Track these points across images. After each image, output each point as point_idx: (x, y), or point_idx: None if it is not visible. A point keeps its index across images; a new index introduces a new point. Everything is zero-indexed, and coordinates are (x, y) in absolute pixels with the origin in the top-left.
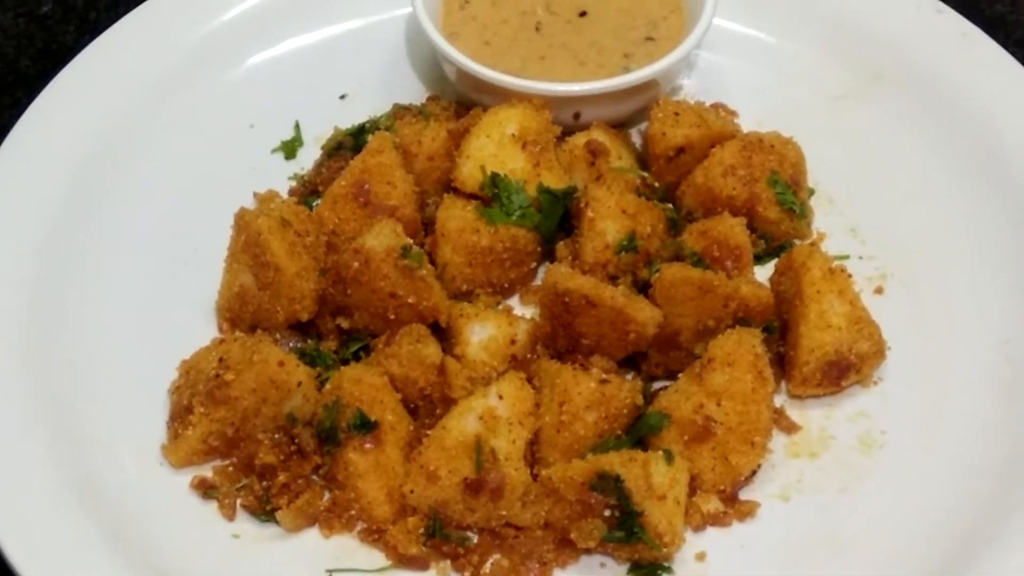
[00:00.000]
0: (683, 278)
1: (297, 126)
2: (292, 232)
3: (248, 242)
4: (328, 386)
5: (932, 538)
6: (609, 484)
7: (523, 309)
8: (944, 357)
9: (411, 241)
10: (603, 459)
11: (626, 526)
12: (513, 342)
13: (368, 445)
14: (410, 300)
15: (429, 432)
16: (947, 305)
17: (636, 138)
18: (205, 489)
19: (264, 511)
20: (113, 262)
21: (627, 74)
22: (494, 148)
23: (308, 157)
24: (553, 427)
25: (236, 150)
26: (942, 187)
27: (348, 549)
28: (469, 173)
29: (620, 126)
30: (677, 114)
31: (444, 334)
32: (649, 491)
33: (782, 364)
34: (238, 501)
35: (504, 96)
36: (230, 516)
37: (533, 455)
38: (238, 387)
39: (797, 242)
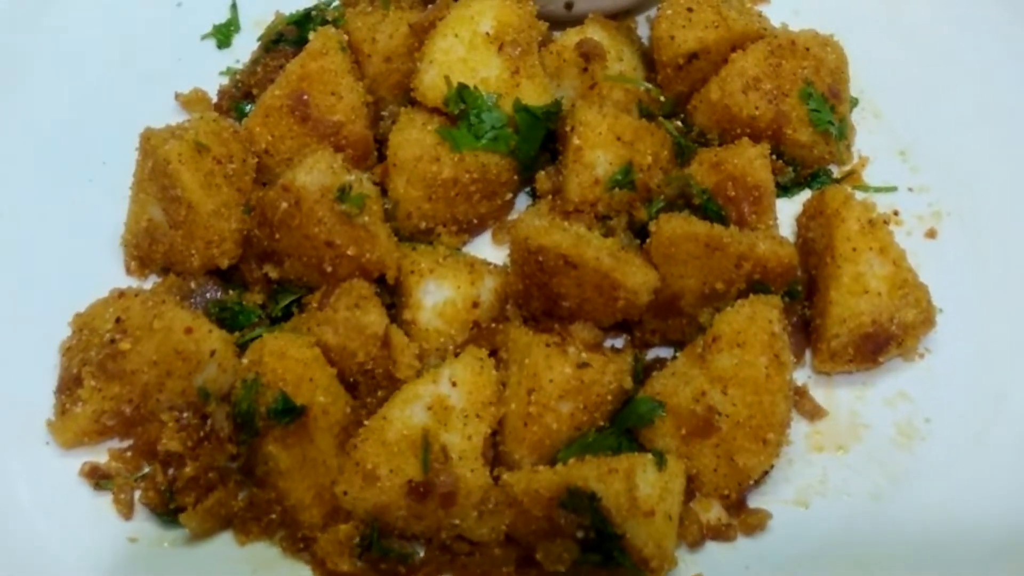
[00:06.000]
0: (686, 233)
1: (234, 6)
2: (210, 159)
3: (156, 171)
4: (247, 357)
5: (986, 558)
6: (583, 502)
7: (495, 250)
8: (1008, 321)
9: (351, 178)
10: (575, 470)
11: (604, 549)
12: (475, 305)
13: (293, 437)
14: (349, 252)
15: (367, 422)
16: (1016, 253)
17: (644, 29)
18: (97, 478)
19: (167, 510)
20: None
21: None
22: (463, 50)
23: (245, 46)
24: (519, 418)
25: (159, 35)
26: (1017, 100)
27: (267, 560)
28: (431, 83)
29: (624, 14)
30: (690, 10)
31: (391, 290)
32: (632, 509)
33: (807, 331)
34: (136, 495)
35: None
36: (126, 513)
37: (495, 448)
38: (136, 358)
39: (833, 169)
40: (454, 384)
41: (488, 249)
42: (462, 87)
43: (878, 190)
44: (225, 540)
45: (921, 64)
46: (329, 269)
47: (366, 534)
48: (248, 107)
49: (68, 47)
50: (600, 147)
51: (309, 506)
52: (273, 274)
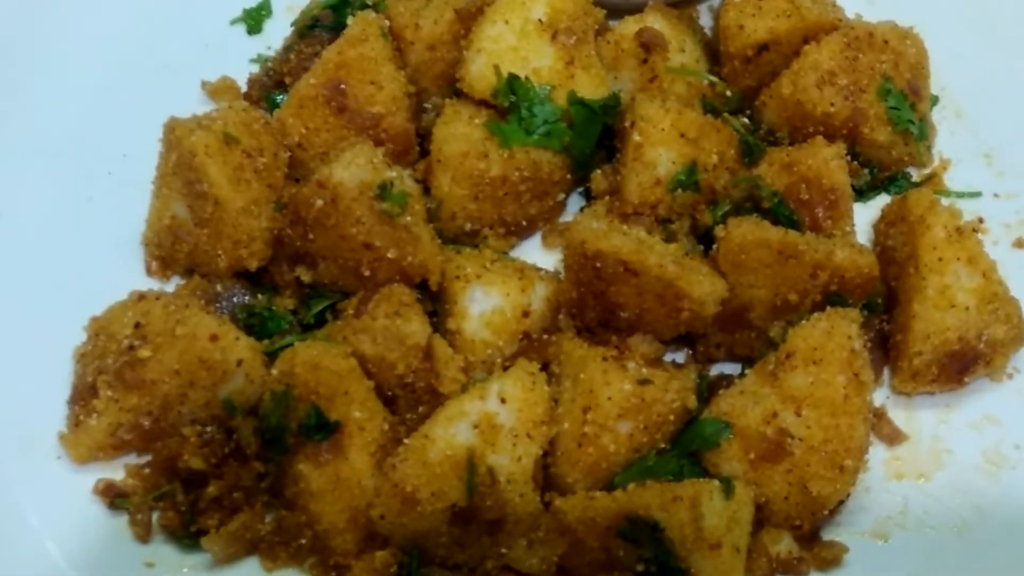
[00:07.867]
0: (757, 239)
1: None
2: (239, 152)
3: (180, 164)
4: (277, 368)
5: None
6: (644, 532)
7: (545, 255)
8: None
9: (392, 175)
10: (635, 497)
11: None
12: (526, 314)
13: (326, 455)
14: (389, 255)
15: (407, 440)
16: None
17: (706, 18)
18: (113, 496)
19: (187, 532)
20: (11, 174)
21: None
22: (514, 38)
23: (278, 32)
24: (573, 438)
25: (185, 20)
26: None
27: None
28: (479, 73)
29: (686, 2)
30: None
31: (435, 296)
32: (698, 540)
33: (885, 348)
34: (155, 516)
35: None
36: (143, 536)
37: (546, 471)
38: (156, 367)
39: (912, 172)
40: (503, 401)
41: (538, 253)
42: (512, 78)
43: (961, 195)
44: (250, 566)
45: (1006, 60)
46: (367, 273)
47: (404, 562)
48: (280, 97)
49: (87, 30)
50: (662, 144)
51: (343, 531)
52: (306, 277)
